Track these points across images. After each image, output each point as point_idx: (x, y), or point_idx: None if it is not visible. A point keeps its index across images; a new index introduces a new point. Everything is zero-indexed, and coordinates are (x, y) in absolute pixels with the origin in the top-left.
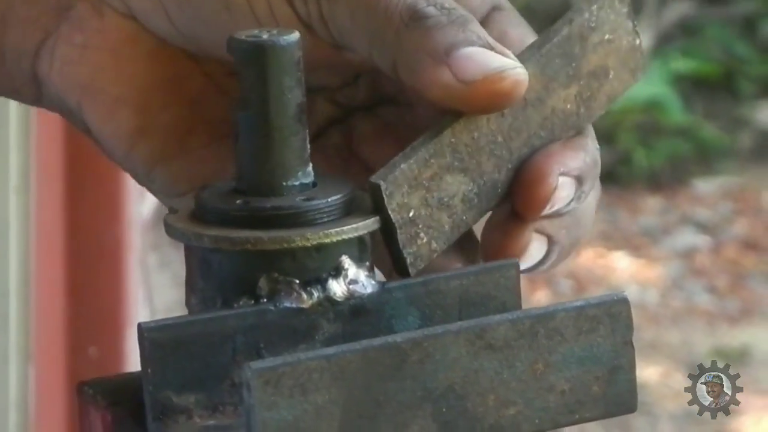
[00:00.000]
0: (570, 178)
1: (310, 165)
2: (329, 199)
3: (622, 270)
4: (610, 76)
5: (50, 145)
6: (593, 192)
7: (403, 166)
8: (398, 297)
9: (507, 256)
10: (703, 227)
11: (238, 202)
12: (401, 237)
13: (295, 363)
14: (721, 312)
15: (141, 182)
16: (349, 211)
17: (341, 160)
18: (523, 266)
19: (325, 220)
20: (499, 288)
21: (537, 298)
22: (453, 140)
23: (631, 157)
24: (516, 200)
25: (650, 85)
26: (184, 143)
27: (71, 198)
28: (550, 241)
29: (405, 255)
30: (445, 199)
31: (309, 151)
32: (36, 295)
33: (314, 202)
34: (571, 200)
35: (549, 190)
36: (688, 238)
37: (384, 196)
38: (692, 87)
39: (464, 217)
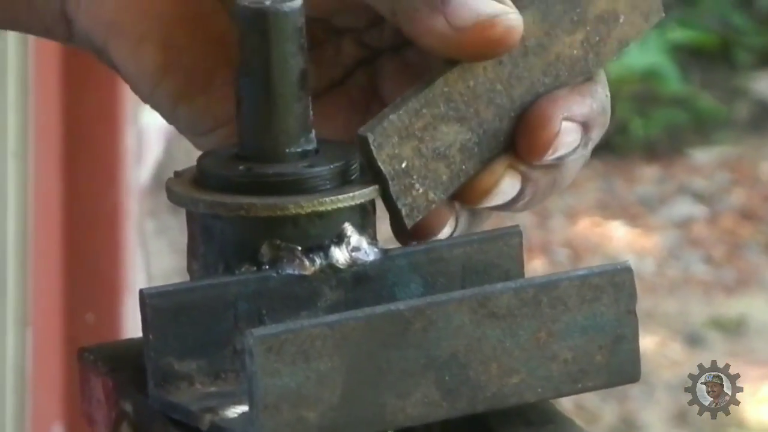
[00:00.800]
0: (575, 123)
1: (313, 131)
2: (331, 166)
3: (619, 239)
4: (621, 20)
5: (48, 109)
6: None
7: (391, 116)
8: (401, 264)
9: (478, 186)
10: (699, 197)
11: (240, 168)
12: (394, 188)
13: (298, 330)
14: (718, 282)
15: (168, 120)
16: (353, 178)
17: (364, 102)
18: (493, 202)
19: (327, 187)
20: (502, 256)
21: (533, 266)
22: (446, 89)
23: (627, 126)
24: (518, 145)
25: (647, 55)
26: (207, 81)
27: (69, 163)
28: (524, 180)
29: (399, 207)
30: (441, 149)
31: (312, 117)
32: (33, 260)
33: (316, 169)
34: (577, 147)
35: (551, 135)
36: (684, 207)
37: (372, 147)
38: (689, 57)
39: (463, 167)
